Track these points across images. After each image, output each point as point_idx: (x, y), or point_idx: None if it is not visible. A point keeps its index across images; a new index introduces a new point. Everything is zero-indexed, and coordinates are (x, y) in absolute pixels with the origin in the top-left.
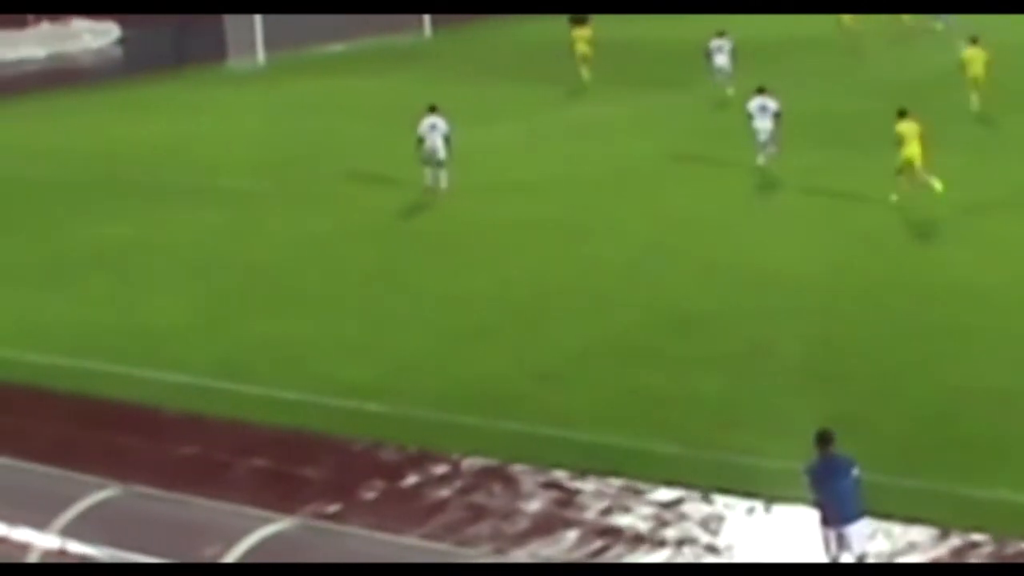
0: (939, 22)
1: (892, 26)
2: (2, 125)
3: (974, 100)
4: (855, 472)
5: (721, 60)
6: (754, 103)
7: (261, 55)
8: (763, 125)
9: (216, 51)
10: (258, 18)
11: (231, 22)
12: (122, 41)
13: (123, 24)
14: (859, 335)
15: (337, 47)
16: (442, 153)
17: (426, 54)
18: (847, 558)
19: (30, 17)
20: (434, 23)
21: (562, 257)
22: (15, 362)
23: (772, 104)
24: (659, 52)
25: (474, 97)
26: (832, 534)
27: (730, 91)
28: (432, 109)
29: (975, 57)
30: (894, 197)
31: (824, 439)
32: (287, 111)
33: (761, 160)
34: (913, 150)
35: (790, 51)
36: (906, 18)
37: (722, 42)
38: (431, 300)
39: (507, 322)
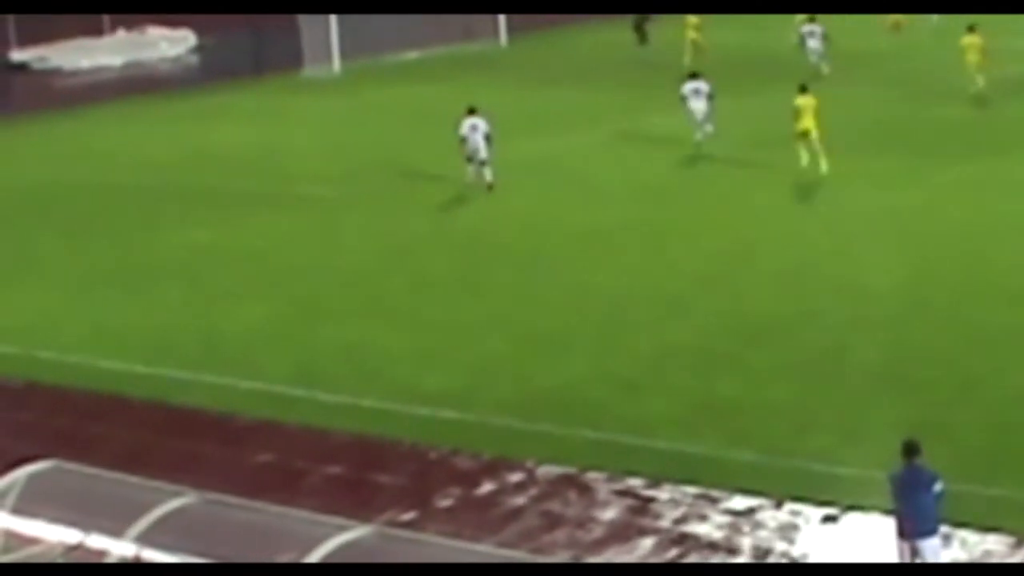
0: (933, 17)
1: (889, 19)
2: (79, 133)
3: (979, 80)
4: (937, 488)
5: (814, 43)
6: (688, 87)
7: (337, 63)
8: (698, 106)
9: (292, 59)
10: (334, 26)
11: (307, 30)
12: (198, 49)
13: (199, 32)
14: (936, 342)
15: (412, 54)
16: (484, 152)
17: (502, 61)
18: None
19: (106, 25)
20: (510, 30)
21: (637, 264)
22: (93, 368)
23: (704, 87)
24: (733, 58)
25: (550, 103)
26: (906, 546)
27: (825, 69)
28: (472, 111)
29: (972, 44)
30: (803, 162)
31: (910, 450)
32: (363, 118)
33: (699, 136)
34: (808, 122)
35: (864, 60)
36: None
37: (813, 27)
38: (507, 307)
39: (583, 329)
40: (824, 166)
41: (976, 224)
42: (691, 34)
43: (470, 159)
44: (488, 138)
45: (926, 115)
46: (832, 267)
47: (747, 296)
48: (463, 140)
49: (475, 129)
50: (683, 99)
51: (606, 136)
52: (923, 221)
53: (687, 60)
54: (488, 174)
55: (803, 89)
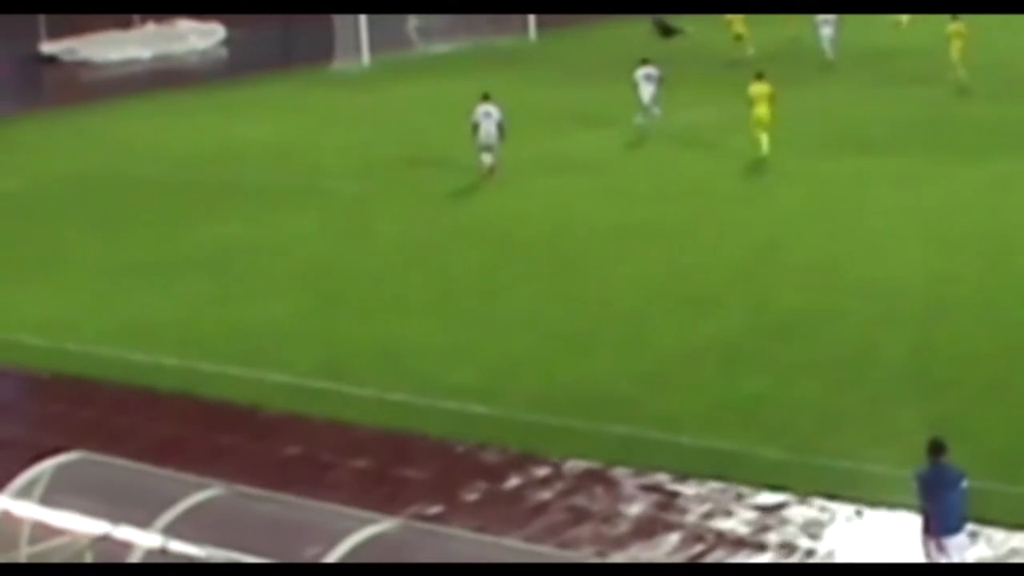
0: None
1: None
2: (108, 126)
3: (959, 71)
4: (963, 485)
5: (827, 30)
6: (640, 72)
7: (366, 57)
8: (648, 91)
9: (321, 53)
10: (363, 20)
11: (338, 24)
12: (227, 42)
13: (228, 25)
14: (964, 341)
15: (441, 49)
16: (495, 139)
17: (530, 56)
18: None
19: (136, 18)
20: (539, 25)
21: (665, 261)
22: (122, 361)
23: (655, 72)
24: (759, 55)
25: (578, 99)
26: (933, 543)
27: (831, 56)
28: (485, 97)
29: (957, 32)
30: (764, 149)
31: (935, 448)
32: (391, 113)
33: (639, 119)
34: (762, 110)
35: (891, 57)
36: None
37: (827, 16)
38: (535, 303)
39: (611, 325)
40: (765, 150)
41: (1001, 222)
42: (737, 27)
43: (482, 148)
44: (500, 126)
45: (949, 113)
46: (857, 265)
47: (773, 293)
48: (475, 127)
49: (488, 116)
50: (635, 85)
51: (633, 133)
52: (948, 219)
53: (737, 52)
54: (490, 158)
55: (759, 76)
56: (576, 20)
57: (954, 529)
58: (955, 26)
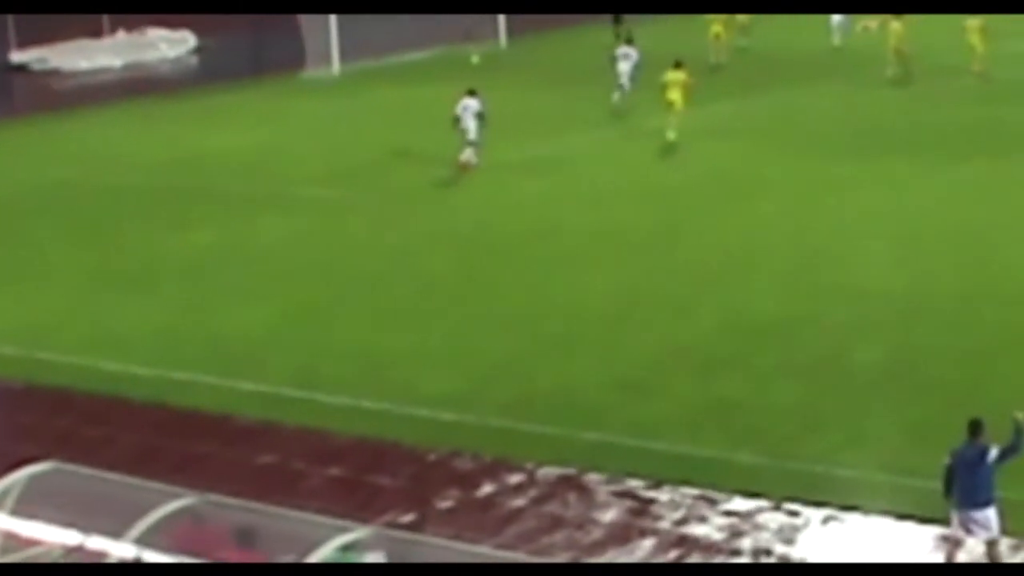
0: None
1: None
2: (79, 134)
3: (891, 69)
4: (992, 454)
5: (838, 18)
6: (620, 51)
7: (336, 65)
8: (624, 68)
9: (292, 61)
10: (334, 28)
11: (307, 31)
12: (198, 50)
13: (199, 33)
14: (941, 345)
15: (412, 56)
16: (473, 133)
17: (502, 63)
18: (972, 541)
19: (106, 27)
20: (509, 32)
21: (641, 266)
22: (94, 370)
23: (634, 54)
24: (749, 58)
25: (552, 105)
26: (960, 518)
27: (837, 42)
28: (470, 92)
29: (895, 31)
30: (671, 135)
31: (974, 428)
32: (363, 120)
33: (616, 97)
34: (675, 95)
35: (866, 62)
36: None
37: None
38: (511, 309)
39: (586, 331)
40: (672, 136)
41: (977, 225)
42: (716, 28)
43: (465, 143)
44: (480, 117)
45: (929, 116)
46: (836, 269)
47: (751, 298)
48: (456, 120)
49: (466, 109)
50: (613, 60)
51: (609, 137)
52: (924, 222)
53: (712, 57)
54: (472, 155)
55: (677, 65)
56: (546, 25)
57: (982, 504)
58: (896, 24)
